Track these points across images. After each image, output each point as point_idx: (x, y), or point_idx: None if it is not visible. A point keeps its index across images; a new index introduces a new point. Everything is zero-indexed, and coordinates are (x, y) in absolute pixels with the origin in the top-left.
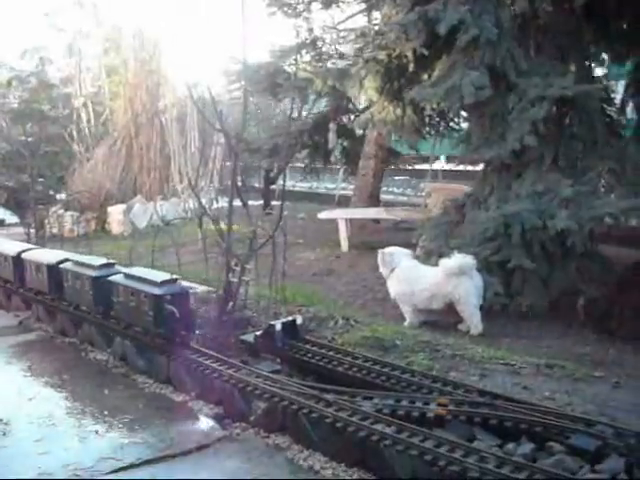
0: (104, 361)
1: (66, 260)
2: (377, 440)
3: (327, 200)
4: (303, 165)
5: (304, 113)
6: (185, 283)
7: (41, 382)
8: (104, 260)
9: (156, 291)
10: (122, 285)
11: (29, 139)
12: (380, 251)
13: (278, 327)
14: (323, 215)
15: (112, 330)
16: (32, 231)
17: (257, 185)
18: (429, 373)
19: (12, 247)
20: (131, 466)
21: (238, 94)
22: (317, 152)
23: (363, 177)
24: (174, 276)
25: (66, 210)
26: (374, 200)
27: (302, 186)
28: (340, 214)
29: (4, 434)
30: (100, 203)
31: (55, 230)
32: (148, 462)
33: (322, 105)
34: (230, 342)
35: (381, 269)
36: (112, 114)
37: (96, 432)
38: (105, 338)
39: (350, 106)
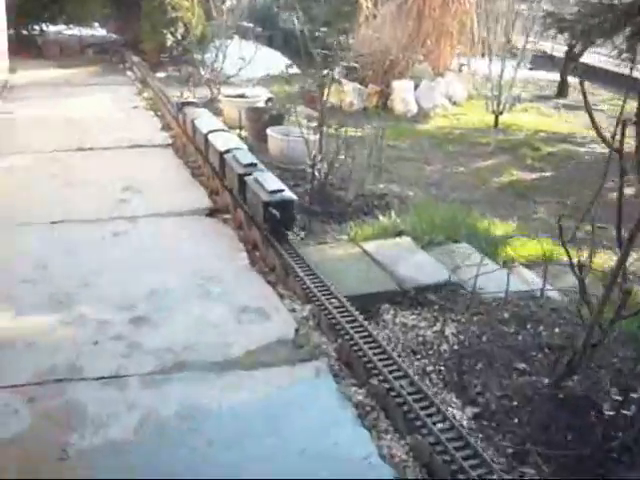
0: None
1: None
2: None
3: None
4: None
5: None
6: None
7: None
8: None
9: (265, 197)
10: (250, 186)
11: None
12: None
13: None
14: None
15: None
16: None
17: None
18: None
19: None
20: None
21: None
22: None
23: None
24: (282, 187)
25: (346, 76)
26: None
27: (604, 61)
28: None
29: None
30: (384, 70)
31: (334, 100)
32: None
33: None
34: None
35: None
36: None
37: None
38: None
39: None
